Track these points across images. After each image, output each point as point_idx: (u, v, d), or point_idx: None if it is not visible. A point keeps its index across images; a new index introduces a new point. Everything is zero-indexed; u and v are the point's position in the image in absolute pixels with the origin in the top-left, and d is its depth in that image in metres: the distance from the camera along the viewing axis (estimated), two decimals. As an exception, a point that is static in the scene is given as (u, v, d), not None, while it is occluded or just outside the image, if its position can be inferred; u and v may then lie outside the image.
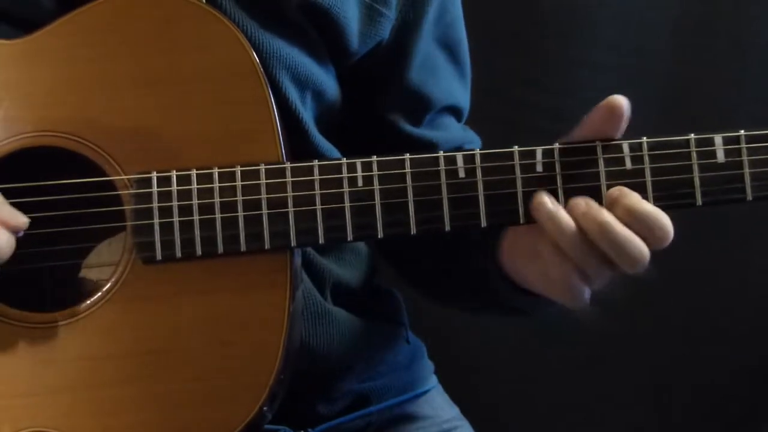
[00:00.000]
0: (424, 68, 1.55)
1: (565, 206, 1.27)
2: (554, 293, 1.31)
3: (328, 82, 1.49)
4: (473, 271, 1.44)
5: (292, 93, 1.44)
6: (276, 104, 1.34)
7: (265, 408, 1.32)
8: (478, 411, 1.69)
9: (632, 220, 1.25)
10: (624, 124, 1.29)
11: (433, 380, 1.68)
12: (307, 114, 1.46)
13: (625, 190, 1.27)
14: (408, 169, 1.30)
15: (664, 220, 1.26)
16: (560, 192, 1.29)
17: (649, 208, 1.26)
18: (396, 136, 1.54)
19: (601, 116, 1.29)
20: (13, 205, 1.31)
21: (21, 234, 1.29)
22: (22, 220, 1.29)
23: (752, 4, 2.21)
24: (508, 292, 1.40)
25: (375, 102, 1.55)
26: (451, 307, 1.64)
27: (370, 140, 1.54)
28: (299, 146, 1.41)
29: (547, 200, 1.27)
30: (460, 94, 1.61)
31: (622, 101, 1.28)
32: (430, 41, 1.56)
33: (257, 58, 1.34)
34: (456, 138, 1.58)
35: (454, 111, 1.61)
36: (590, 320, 1.30)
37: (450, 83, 1.59)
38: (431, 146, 1.55)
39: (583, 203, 1.27)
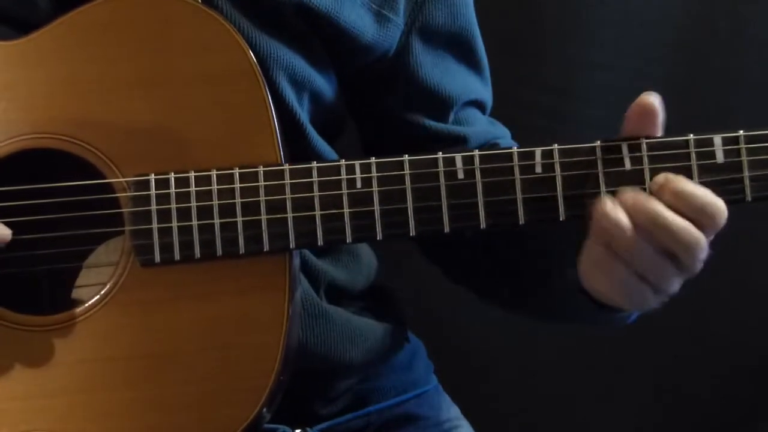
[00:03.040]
0: (437, 68, 1.54)
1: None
2: (618, 299, 1.31)
3: (326, 85, 1.49)
4: (558, 292, 1.43)
5: (290, 94, 1.44)
6: (273, 106, 1.34)
7: (264, 409, 1.32)
8: (478, 411, 1.69)
9: (680, 203, 1.25)
10: (659, 119, 1.29)
11: (432, 380, 1.68)
12: (304, 116, 1.46)
13: (671, 174, 1.27)
14: (407, 171, 1.30)
15: (712, 198, 1.25)
16: (559, 195, 1.29)
17: (696, 188, 1.26)
18: (424, 134, 1.54)
19: (635, 115, 1.29)
20: (11, 207, 1.31)
21: (2, 246, 1.29)
22: (4, 232, 1.29)
23: (751, 4, 2.21)
24: (588, 308, 1.37)
25: (392, 104, 1.54)
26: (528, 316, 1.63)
27: (398, 140, 1.54)
28: (297, 148, 1.40)
29: (608, 203, 1.25)
30: (480, 89, 1.60)
31: (650, 98, 1.28)
32: (442, 43, 1.55)
33: (255, 60, 1.34)
34: (485, 132, 1.58)
35: (478, 105, 1.60)
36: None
37: (466, 80, 1.58)
38: (462, 140, 1.55)
39: (630, 196, 1.26)
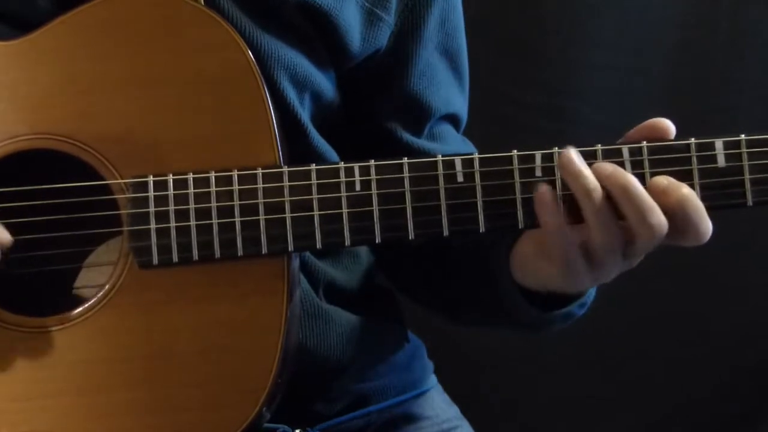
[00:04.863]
0: (423, 76, 1.54)
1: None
2: (554, 272, 1.32)
3: (326, 84, 1.49)
4: (485, 286, 1.45)
5: (291, 94, 1.44)
6: (274, 105, 1.34)
7: (264, 409, 1.32)
8: (477, 410, 1.69)
9: (683, 210, 1.26)
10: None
11: (432, 380, 1.68)
12: (305, 115, 1.46)
13: (674, 180, 1.27)
14: (406, 174, 1.30)
15: (709, 224, 1.27)
16: (559, 196, 1.28)
17: (699, 201, 1.26)
18: (396, 145, 1.54)
19: (644, 135, 1.30)
20: (10, 208, 1.31)
21: (5, 250, 1.29)
22: (6, 237, 1.29)
23: (752, 5, 2.21)
24: (519, 305, 1.40)
25: (374, 108, 1.54)
26: (457, 320, 1.63)
27: (370, 147, 1.53)
28: (298, 147, 1.40)
29: (575, 157, 1.27)
30: (459, 102, 1.61)
31: (668, 123, 1.29)
32: (430, 49, 1.55)
33: (255, 60, 1.33)
34: (455, 151, 1.57)
35: (453, 120, 1.60)
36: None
37: (449, 91, 1.58)
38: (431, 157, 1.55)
39: (610, 167, 1.27)
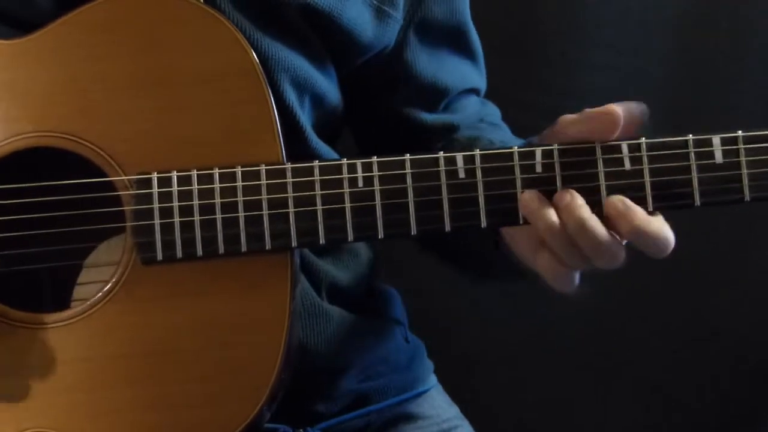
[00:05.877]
0: (432, 64, 1.56)
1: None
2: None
3: (327, 86, 1.49)
4: (478, 252, 1.47)
5: (291, 96, 1.44)
6: (275, 107, 1.34)
7: (265, 408, 1.32)
8: (477, 410, 1.69)
9: (637, 239, 1.26)
10: (615, 134, 1.29)
11: (432, 379, 1.68)
12: (305, 117, 1.47)
13: (629, 203, 1.27)
14: (408, 170, 1.30)
15: (668, 233, 1.26)
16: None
17: (655, 227, 1.26)
18: (416, 126, 1.56)
19: (583, 130, 1.29)
20: (13, 205, 1.31)
21: None
22: None
23: (752, 5, 2.21)
24: (509, 274, 1.41)
25: (388, 99, 1.55)
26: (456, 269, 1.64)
27: (390, 134, 1.55)
28: (297, 150, 1.41)
29: (531, 198, 1.28)
30: (476, 77, 1.62)
31: (618, 111, 1.27)
32: (439, 38, 1.56)
33: (257, 59, 1.34)
34: (474, 113, 1.60)
35: (472, 91, 1.62)
36: (581, 296, 1.31)
37: (462, 70, 1.60)
38: (451, 128, 1.56)
39: (568, 197, 1.27)
